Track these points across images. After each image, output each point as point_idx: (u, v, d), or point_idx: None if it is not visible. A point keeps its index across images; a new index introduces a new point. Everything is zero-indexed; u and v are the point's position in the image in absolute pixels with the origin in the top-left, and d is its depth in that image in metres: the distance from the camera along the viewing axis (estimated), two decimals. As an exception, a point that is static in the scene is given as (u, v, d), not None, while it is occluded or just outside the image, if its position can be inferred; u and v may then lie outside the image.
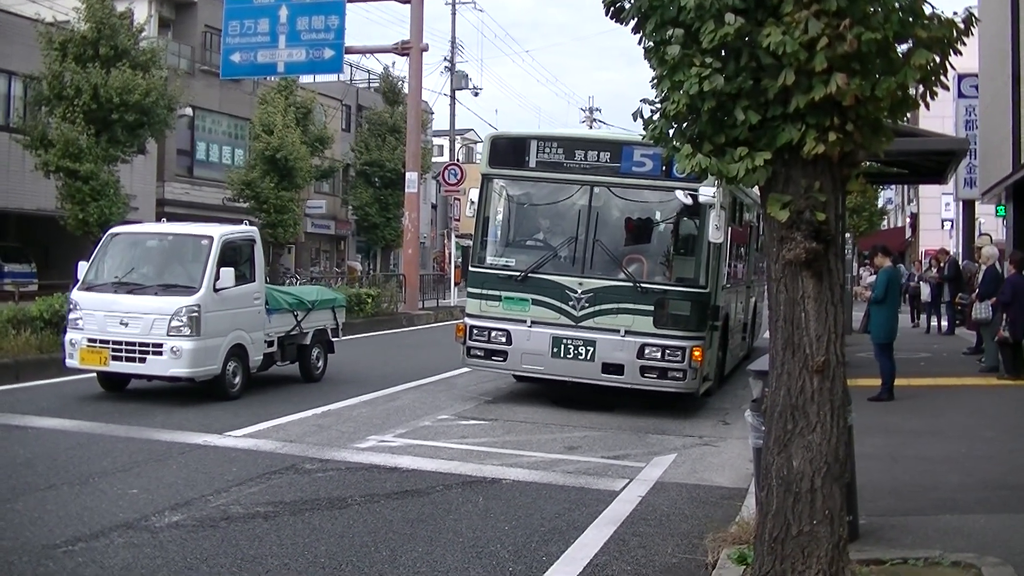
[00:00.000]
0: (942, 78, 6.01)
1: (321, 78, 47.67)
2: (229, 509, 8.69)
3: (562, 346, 14.14)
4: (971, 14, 6.04)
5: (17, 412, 12.99)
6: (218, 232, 14.77)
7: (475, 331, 14.72)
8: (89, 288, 14.36)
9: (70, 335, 14.21)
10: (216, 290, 14.06)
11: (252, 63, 32.55)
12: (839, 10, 5.54)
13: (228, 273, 14.15)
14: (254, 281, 15.20)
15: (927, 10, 5.89)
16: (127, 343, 13.76)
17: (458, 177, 38.23)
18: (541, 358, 14.30)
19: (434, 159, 57.68)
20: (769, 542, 6.08)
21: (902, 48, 5.90)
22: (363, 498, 9.23)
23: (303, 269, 50.37)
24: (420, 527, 8.31)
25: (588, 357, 14.04)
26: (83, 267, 14.68)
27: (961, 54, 6.12)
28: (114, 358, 13.83)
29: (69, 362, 14.24)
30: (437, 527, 8.33)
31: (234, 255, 14.84)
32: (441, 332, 25.61)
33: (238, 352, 14.65)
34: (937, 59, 5.88)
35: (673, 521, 8.80)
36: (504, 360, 14.62)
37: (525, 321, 14.34)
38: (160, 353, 13.66)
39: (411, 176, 33.38)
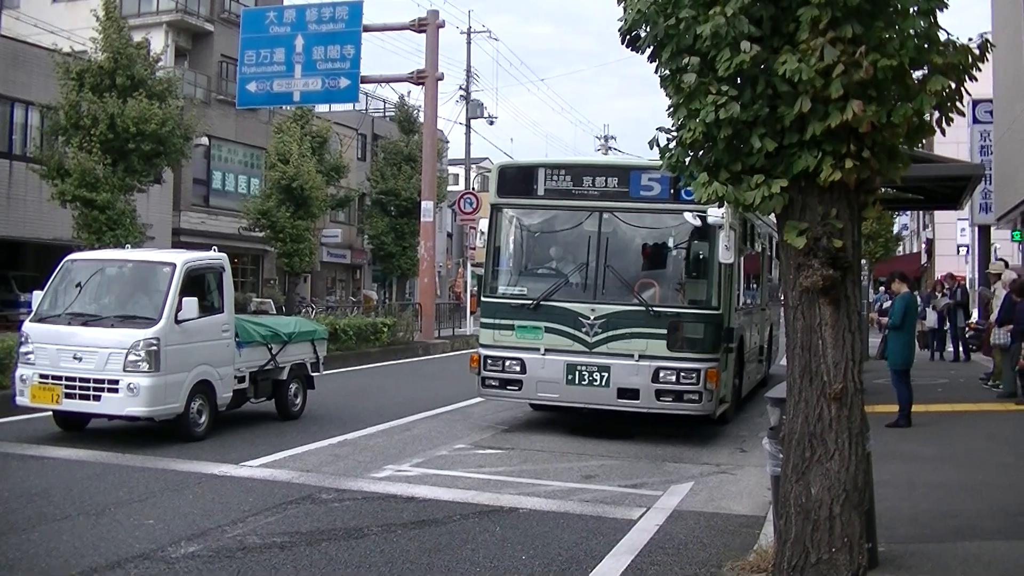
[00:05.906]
0: (958, 104, 6.02)
1: (337, 107, 47.98)
2: (245, 539, 8.67)
3: (576, 373, 14.11)
4: (986, 40, 6.05)
5: (33, 442, 13.03)
6: (181, 259, 13.78)
7: (489, 361, 14.70)
8: (42, 319, 13.42)
9: (20, 370, 13.26)
10: (178, 321, 13.06)
11: (268, 92, 32.76)
12: (855, 37, 5.55)
13: (191, 303, 13.12)
14: (222, 312, 14.16)
15: (942, 36, 5.90)
16: (81, 379, 12.75)
17: (473, 206, 38.26)
18: (556, 385, 14.26)
19: (449, 188, 57.72)
20: (788, 570, 6.05)
21: (917, 75, 5.91)
22: (380, 528, 9.20)
23: (319, 298, 50.48)
24: (437, 557, 8.28)
25: (603, 383, 14.00)
26: (37, 296, 13.84)
27: (976, 80, 6.13)
28: (67, 396, 12.84)
29: (19, 400, 13.29)
30: (454, 557, 8.29)
31: (199, 283, 13.90)
32: (457, 361, 25.57)
33: (203, 389, 13.56)
34: (953, 85, 5.89)
35: (691, 550, 8.74)
36: (519, 389, 14.59)
37: (539, 349, 14.32)
38: (116, 390, 12.65)
39: (426, 205, 33.50)
